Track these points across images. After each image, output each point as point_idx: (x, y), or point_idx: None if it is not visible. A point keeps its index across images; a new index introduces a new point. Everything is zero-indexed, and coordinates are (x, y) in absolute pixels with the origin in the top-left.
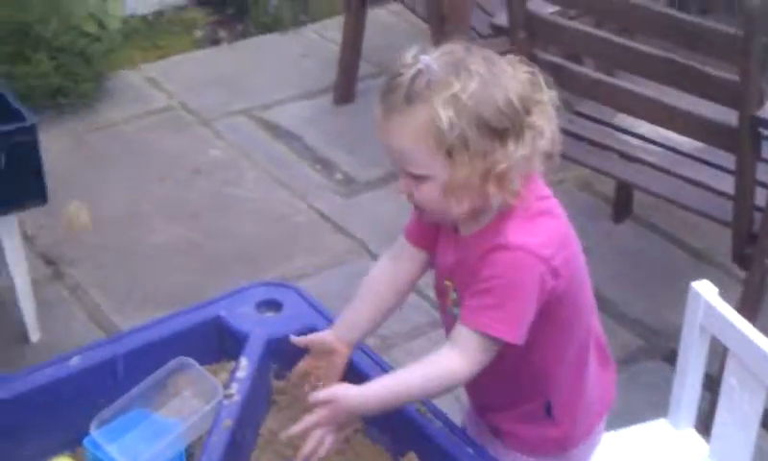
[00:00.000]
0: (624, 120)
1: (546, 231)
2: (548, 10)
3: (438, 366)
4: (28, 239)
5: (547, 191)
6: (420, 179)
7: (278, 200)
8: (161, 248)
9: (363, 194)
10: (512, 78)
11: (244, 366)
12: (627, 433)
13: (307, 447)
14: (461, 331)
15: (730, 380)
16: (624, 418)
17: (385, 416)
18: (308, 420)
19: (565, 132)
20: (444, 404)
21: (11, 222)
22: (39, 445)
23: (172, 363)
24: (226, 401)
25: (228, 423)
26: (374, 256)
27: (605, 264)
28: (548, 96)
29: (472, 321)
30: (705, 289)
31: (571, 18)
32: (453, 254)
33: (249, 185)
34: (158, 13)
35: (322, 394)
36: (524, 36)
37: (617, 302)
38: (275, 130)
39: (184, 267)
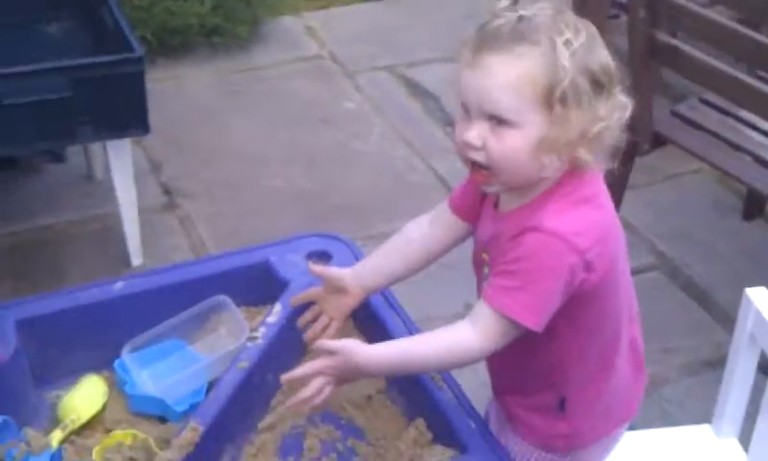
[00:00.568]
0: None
1: (586, 221)
2: None
3: (454, 341)
4: (154, 167)
5: (599, 179)
6: (505, 125)
7: (399, 157)
8: (276, 191)
9: None
10: (604, 48)
11: (276, 311)
12: (669, 433)
13: (305, 392)
14: (482, 309)
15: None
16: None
17: (404, 380)
18: (311, 365)
19: (686, 119)
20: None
21: (121, 148)
22: (76, 361)
23: (210, 300)
24: (249, 343)
25: (243, 364)
26: None
27: (725, 262)
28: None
29: (495, 300)
30: (757, 296)
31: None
32: (491, 227)
33: (373, 139)
34: None
35: (331, 344)
36: (644, 16)
37: (728, 300)
38: (414, 88)
39: (293, 213)
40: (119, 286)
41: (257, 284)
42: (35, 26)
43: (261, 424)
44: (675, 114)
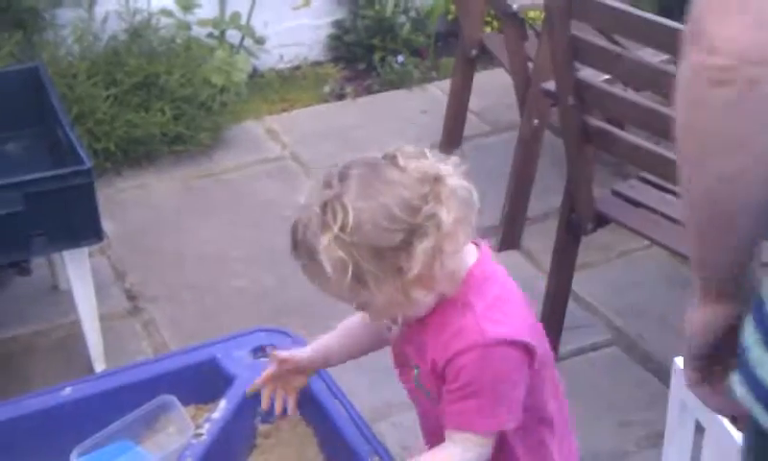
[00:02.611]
0: None
1: (513, 314)
2: (599, 77)
3: None
4: (118, 274)
5: (490, 262)
6: (361, 306)
7: None
8: (239, 290)
9: None
10: (394, 186)
11: (221, 407)
12: None
13: None
14: (457, 435)
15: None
16: None
17: None
18: None
19: (627, 199)
20: None
21: (79, 258)
22: None
23: (157, 400)
24: (194, 440)
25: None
26: None
27: (676, 333)
28: (447, 166)
29: (466, 425)
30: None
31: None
32: (415, 332)
33: None
34: (295, 68)
35: None
36: (573, 102)
37: None
38: None
39: (256, 312)
40: (68, 391)
41: (205, 381)
42: None
43: None
44: (616, 194)
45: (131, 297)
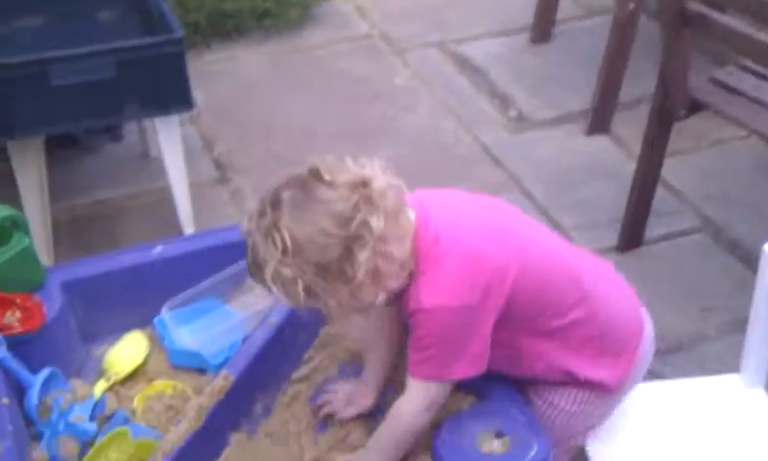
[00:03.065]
0: None
1: (455, 274)
2: None
3: (400, 419)
4: (207, 143)
5: (428, 218)
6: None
7: (445, 130)
8: None
9: (531, 132)
10: (325, 204)
11: None
12: (699, 383)
13: None
14: (409, 381)
15: None
16: None
17: None
18: None
19: (723, 85)
20: None
21: (170, 125)
22: (118, 320)
23: (243, 262)
24: (279, 302)
25: (273, 320)
26: (528, 194)
27: (767, 221)
28: (369, 170)
29: (417, 373)
30: None
31: None
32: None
33: (421, 114)
34: None
35: None
36: None
37: None
38: (463, 63)
39: None
40: (158, 250)
41: None
42: (85, 13)
43: (294, 375)
44: (712, 81)
45: (219, 166)
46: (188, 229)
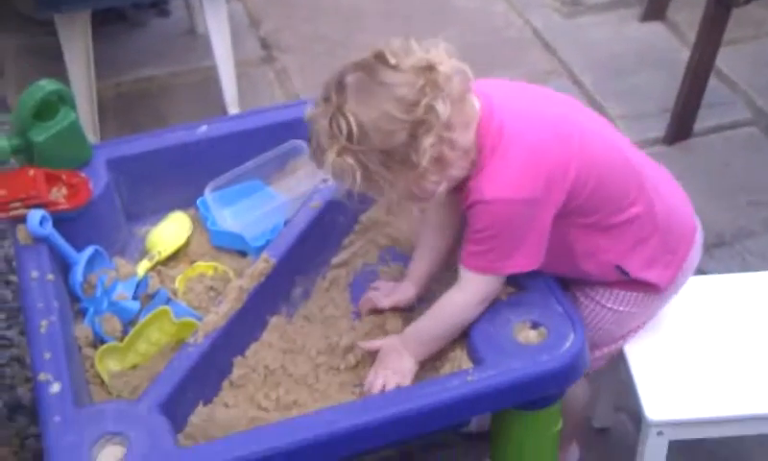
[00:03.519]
0: None
1: (517, 167)
2: None
3: (450, 309)
4: (253, 22)
5: (494, 108)
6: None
7: (497, 12)
8: (372, 45)
9: (584, 16)
10: (390, 88)
11: None
12: (738, 278)
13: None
14: (464, 273)
15: None
16: None
17: None
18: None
19: None
20: None
21: (217, 1)
22: (163, 199)
23: (288, 144)
24: (321, 185)
25: (316, 204)
26: (576, 81)
27: None
28: (436, 53)
29: (473, 265)
30: None
31: None
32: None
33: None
34: None
35: (373, 344)
36: None
37: None
38: None
39: None
40: (203, 129)
41: None
42: None
43: (334, 260)
44: None
45: (265, 45)
46: (233, 108)
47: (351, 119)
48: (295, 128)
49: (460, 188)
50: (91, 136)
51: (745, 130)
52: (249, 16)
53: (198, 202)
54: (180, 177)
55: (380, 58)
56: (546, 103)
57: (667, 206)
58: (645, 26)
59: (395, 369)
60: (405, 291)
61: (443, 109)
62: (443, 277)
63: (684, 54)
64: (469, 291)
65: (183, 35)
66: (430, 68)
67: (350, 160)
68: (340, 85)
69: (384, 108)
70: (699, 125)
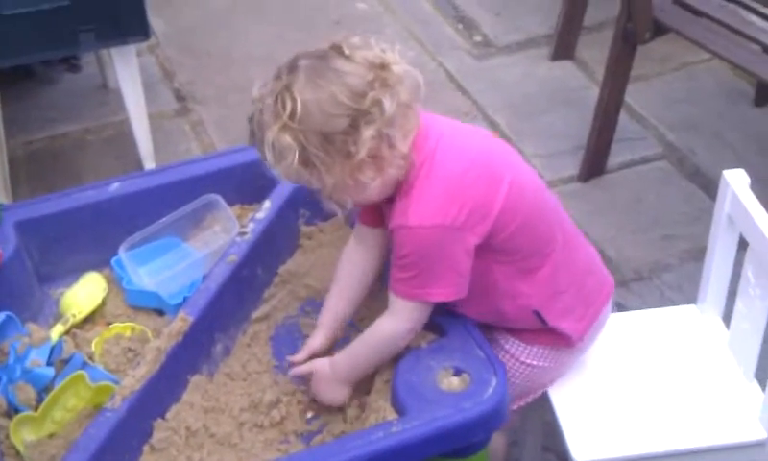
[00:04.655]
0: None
1: (443, 193)
2: None
3: (380, 336)
4: (167, 74)
5: (432, 134)
6: (317, 191)
7: (410, 55)
8: None
9: (495, 58)
10: (341, 75)
11: (265, 208)
12: (657, 314)
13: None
14: (392, 299)
15: (746, 273)
16: None
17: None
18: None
19: (686, 6)
20: None
21: (127, 56)
22: (76, 260)
23: (203, 198)
24: (238, 239)
25: (233, 258)
26: (491, 122)
27: (733, 149)
28: (391, 54)
29: (399, 291)
30: (734, 178)
31: None
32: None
33: (384, 39)
34: None
35: (302, 369)
36: None
37: None
38: None
39: None
40: (115, 187)
41: (250, 182)
42: None
43: (254, 315)
44: (676, 2)
45: (179, 97)
46: (148, 162)
47: (297, 97)
48: (209, 182)
49: (386, 207)
50: (3, 197)
51: (656, 164)
52: (162, 69)
53: (113, 261)
54: (93, 236)
55: (336, 48)
56: (482, 142)
57: (586, 259)
58: (555, 65)
59: (324, 399)
60: (318, 338)
61: (388, 105)
62: (379, 296)
63: (594, 91)
64: (398, 318)
65: (95, 90)
66: (383, 66)
67: (289, 139)
68: (292, 67)
69: (331, 90)
70: (612, 161)
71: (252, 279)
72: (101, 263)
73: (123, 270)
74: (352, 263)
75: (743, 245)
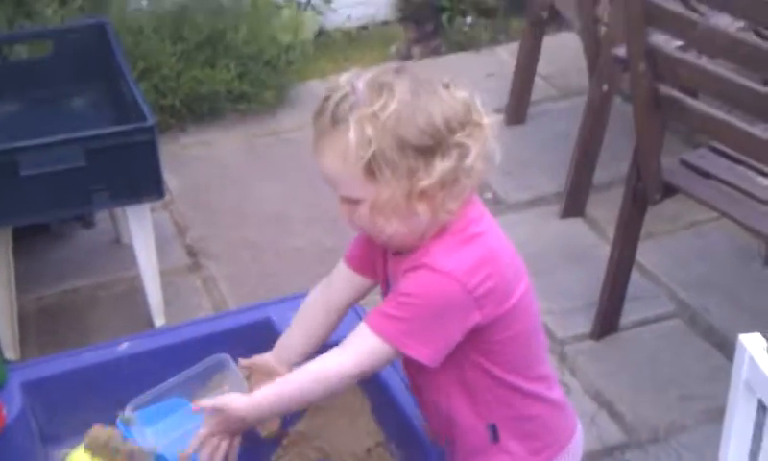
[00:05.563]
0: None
1: (473, 258)
2: (672, 43)
3: (320, 368)
4: (180, 230)
5: (485, 214)
6: (353, 202)
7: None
8: (298, 250)
9: (505, 215)
10: (441, 100)
11: None
12: None
13: (203, 454)
14: (360, 330)
15: (766, 444)
16: None
17: (401, 433)
18: (201, 433)
19: (695, 169)
20: None
21: (140, 213)
22: (82, 419)
23: (211, 358)
24: None
25: None
26: None
27: (747, 308)
28: (489, 119)
29: (375, 323)
30: (751, 343)
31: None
32: (395, 271)
33: None
34: (362, 28)
35: (210, 403)
36: (644, 69)
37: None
38: None
39: (313, 272)
40: (123, 346)
41: (259, 341)
42: (59, 100)
43: None
44: (684, 164)
45: (191, 253)
46: (158, 319)
47: (397, 95)
48: (218, 341)
49: (392, 259)
50: (11, 354)
51: (669, 322)
52: (175, 225)
53: (118, 421)
54: (100, 396)
55: (443, 83)
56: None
57: (563, 401)
58: (565, 223)
59: (230, 432)
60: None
61: (472, 155)
62: None
63: (605, 249)
64: (354, 354)
65: (108, 245)
66: (478, 123)
67: (371, 132)
68: (399, 69)
69: (429, 107)
70: (624, 319)
71: (260, 441)
72: (107, 423)
73: (129, 431)
74: (324, 299)
75: (761, 408)
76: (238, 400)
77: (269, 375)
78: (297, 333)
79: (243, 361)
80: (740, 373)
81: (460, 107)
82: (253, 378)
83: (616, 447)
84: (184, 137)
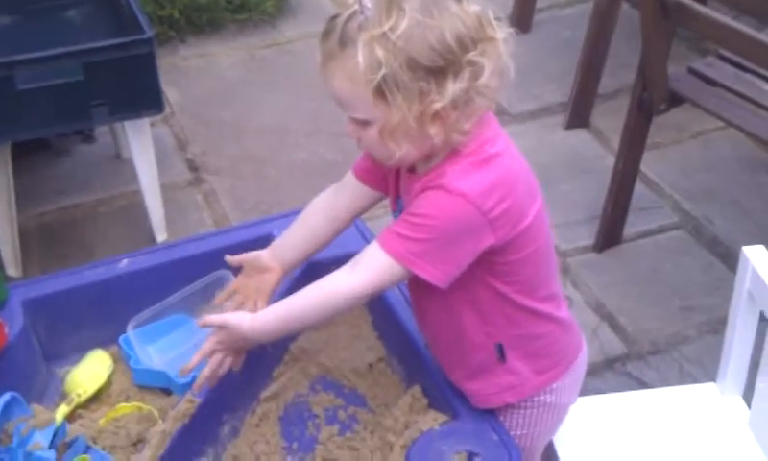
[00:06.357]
0: None
1: (489, 180)
2: None
3: (328, 287)
4: (181, 144)
5: (501, 134)
6: (362, 123)
7: None
8: (299, 163)
9: (509, 126)
10: (453, 16)
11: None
12: (676, 392)
13: (205, 371)
14: (371, 249)
15: (767, 355)
16: None
17: (403, 348)
18: (205, 347)
19: (702, 77)
20: None
21: (140, 128)
22: (83, 338)
23: (213, 275)
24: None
25: None
26: None
27: (751, 218)
28: (502, 34)
29: (389, 244)
30: (755, 255)
31: None
32: (410, 189)
33: None
34: None
35: (216, 319)
36: None
37: None
38: None
39: (316, 185)
40: (124, 264)
41: None
42: (54, 12)
43: (263, 394)
44: (691, 72)
45: (192, 167)
46: (160, 234)
47: (407, 14)
48: (220, 257)
49: (406, 176)
50: (14, 271)
51: (673, 233)
52: (176, 139)
53: (120, 339)
54: (101, 314)
55: None
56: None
57: (567, 317)
58: (570, 133)
59: (233, 351)
60: (274, 279)
61: (486, 73)
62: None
63: (610, 160)
64: (365, 274)
65: (109, 160)
66: (492, 39)
67: (381, 54)
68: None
69: (441, 24)
70: (628, 231)
71: (261, 357)
72: (108, 341)
73: (131, 348)
74: (329, 205)
75: (763, 320)
76: (243, 320)
77: (260, 272)
78: (298, 234)
79: (231, 258)
80: (743, 284)
81: (472, 22)
82: (245, 274)
83: (618, 358)
84: (184, 49)
